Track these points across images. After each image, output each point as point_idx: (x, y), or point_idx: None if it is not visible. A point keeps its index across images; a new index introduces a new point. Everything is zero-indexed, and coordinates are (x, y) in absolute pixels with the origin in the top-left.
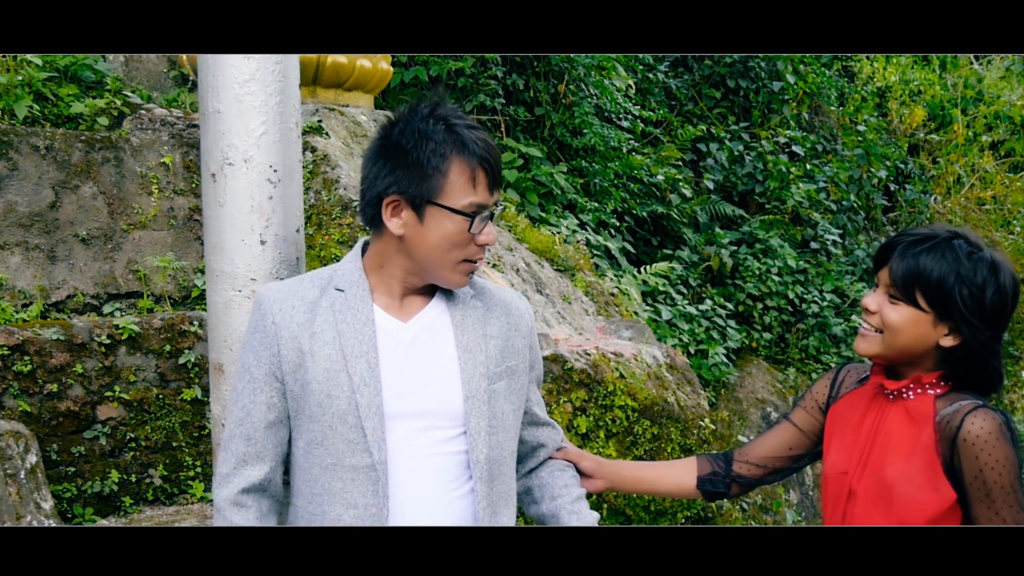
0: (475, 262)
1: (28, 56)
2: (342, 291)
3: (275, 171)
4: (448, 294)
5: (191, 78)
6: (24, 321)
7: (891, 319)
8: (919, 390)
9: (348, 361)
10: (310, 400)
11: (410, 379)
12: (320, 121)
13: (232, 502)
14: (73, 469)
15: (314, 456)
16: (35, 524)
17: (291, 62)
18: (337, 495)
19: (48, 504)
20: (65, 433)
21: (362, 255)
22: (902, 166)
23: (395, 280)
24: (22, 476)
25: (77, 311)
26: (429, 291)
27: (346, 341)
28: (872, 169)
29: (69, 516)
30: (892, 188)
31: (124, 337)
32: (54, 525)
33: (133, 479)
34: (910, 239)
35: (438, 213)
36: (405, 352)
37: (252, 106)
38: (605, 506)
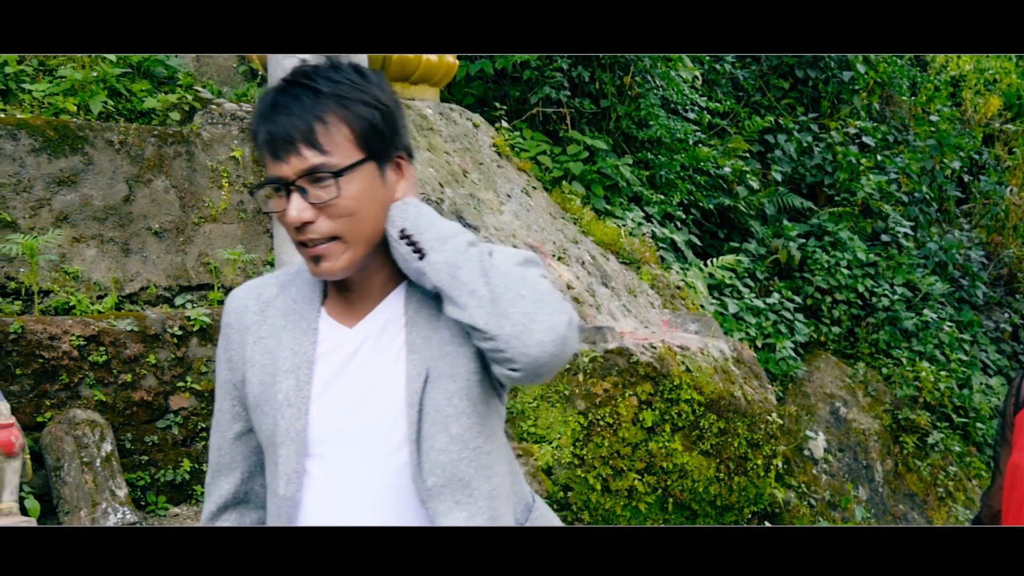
0: (307, 245)
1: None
2: (301, 289)
3: None
4: (410, 286)
5: (260, 73)
6: (99, 313)
7: None
8: None
9: (277, 376)
10: (250, 414)
11: (344, 399)
12: None
13: (209, 519)
14: (146, 458)
15: (266, 474)
16: (110, 511)
17: (358, 56)
18: (272, 521)
19: (123, 492)
20: (139, 422)
21: None
22: (976, 156)
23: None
24: (98, 464)
25: (150, 303)
26: (390, 285)
27: (281, 352)
28: (945, 160)
29: (143, 504)
30: (966, 179)
31: (195, 328)
32: (128, 512)
33: (204, 468)
34: None
35: None
36: (344, 364)
37: None
38: (671, 500)
